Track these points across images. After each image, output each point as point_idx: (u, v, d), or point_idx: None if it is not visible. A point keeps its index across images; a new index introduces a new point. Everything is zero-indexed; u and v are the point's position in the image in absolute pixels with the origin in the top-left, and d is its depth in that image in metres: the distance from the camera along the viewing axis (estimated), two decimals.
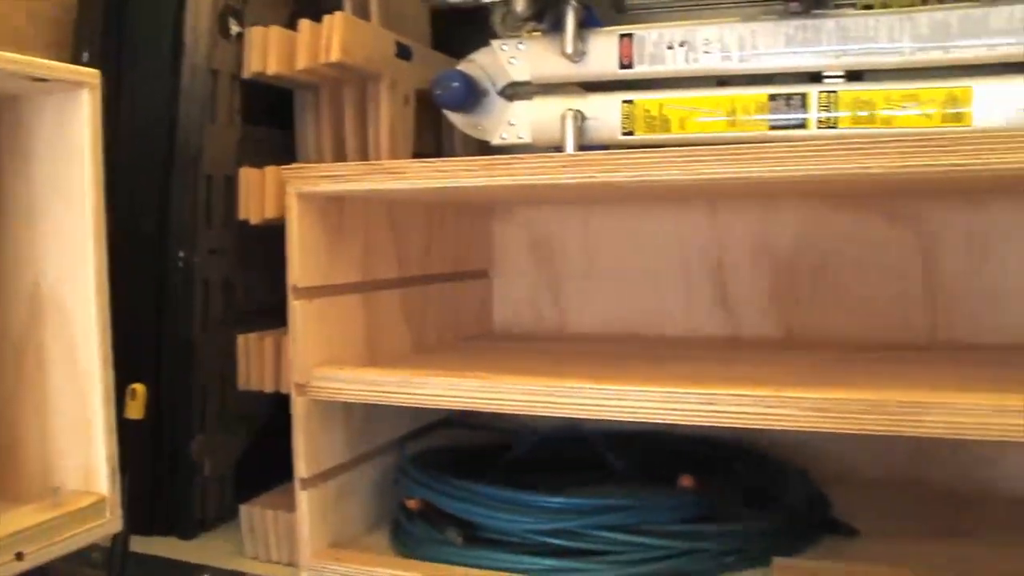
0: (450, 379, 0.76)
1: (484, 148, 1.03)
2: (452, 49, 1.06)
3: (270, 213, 0.88)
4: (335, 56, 0.86)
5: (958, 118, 0.70)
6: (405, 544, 0.85)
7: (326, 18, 0.88)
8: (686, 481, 0.83)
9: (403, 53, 0.96)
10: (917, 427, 0.63)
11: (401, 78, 0.96)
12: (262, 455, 1.01)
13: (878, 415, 0.64)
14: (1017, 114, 0.69)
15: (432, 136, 1.08)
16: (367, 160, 0.94)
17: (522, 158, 0.71)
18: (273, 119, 1.00)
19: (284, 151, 1.00)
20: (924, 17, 0.70)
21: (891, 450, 1.01)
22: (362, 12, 0.97)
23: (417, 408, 0.95)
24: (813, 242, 1.02)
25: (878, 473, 1.01)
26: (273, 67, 0.90)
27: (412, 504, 0.86)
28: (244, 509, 0.88)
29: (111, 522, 0.62)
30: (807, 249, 1.03)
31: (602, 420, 0.71)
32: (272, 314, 0.96)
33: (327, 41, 0.87)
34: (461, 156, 1.04)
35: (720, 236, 1.06)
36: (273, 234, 0.97)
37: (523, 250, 1.14)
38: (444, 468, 0.87)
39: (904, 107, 0.71)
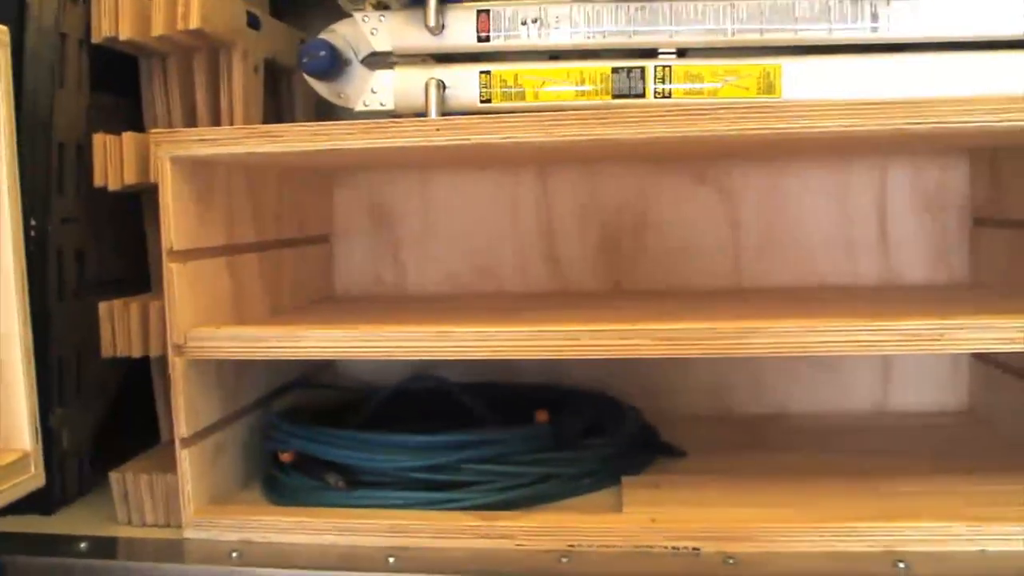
0: (329, 331, 0.81)
1: (321, 117, 1.08)
2: (286, 18, 1.10)
3: (129, 179, 0.88)
4: (194, 24, 0.87)
5: (770, 90, 0.83)
6: (282, 494, 0.88)
7: None
8: (541, 416, 0.93)
9: (253, 22, 0.98)
10: (748, 348, 0.75)
11: (252, 47, 0.98)
12: (113, 427, 1.02)
13: (715, 340, 0.75)
14: (820, 88, 0.82)
15: (272, 104, 1.11)
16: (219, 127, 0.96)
17: (400, 122, 0.76)
18: (115, 86, 1.00)
19: (129, 119, 1.00)
20: (743, 4, 0.81)
21: (700, 387, 1.15)
22: None
23: (289, 362, 1.00)
24: (634, 203, 1.14)
25: (695, 408, 1.15)
26: (127, 32, 0.89)
27: (286, 456, 0.90)
28: (115, 476, 0.88)
29: (35, 477, 0.63)
30: (628, 209, 1.14)
31: (473, 360, 0.78)
32: (119, 285, 0.97)
33: (185, 8, 0.88)
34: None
35: (549, 199, 1.16)
36: (123, 204, 0.98)
37: (363, 215, 1.19)
38: (312, 422, 0.92)
39: (726, 80, 0.83)
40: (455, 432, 0.86)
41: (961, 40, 0.83)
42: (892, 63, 0.83)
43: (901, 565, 0.73)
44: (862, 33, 0.82)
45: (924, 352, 0.74)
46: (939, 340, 0.75)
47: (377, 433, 0.86)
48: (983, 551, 0.75)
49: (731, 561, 0.75)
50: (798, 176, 1.12)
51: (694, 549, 0.77)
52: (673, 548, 0.77)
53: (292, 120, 1.12)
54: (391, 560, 0.77)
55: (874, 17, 0.82)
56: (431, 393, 1.03)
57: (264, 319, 0.96)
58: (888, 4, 0.82)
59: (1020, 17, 0.82)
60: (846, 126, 0.73)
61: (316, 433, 0.88)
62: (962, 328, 0.74)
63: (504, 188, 1.16)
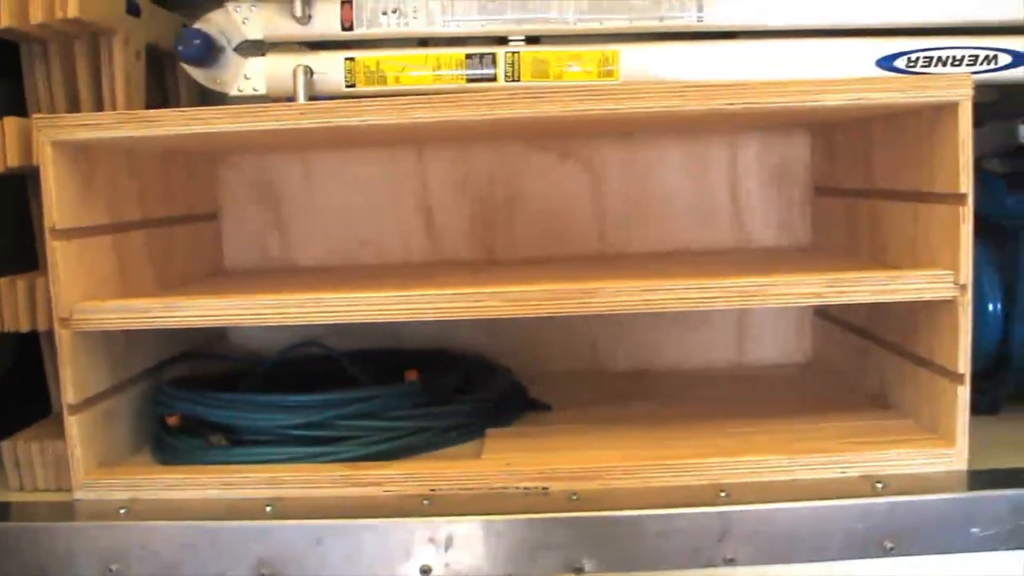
0: (209, 300, 0.87)
1: (205, 101, 1.13)
2: (167, 4, 1.14)
3: (12, 162, 0.93)
4: (72, 12, 0.91)
5: (610, 74, 0.91)
6: (169, 455, 0.94)
7: None
8: (411, 375, 1.00)
9: (132, 9, 1.03)
10: (586, 307, 0.84)
11: (132, 33, 1.03)
12: (6, 400, 1.06)
13: (557, 300, 0.84)
14: (654, 71, 0.91)
15: (156, 89, 1.15)
16: (102, 111, 1.01)
17: (268, 106, 0.83)
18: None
19: (13, 101, 1.03)
20: None
21: (574, 347, 1.24)
22: None
23: (179, 333, 1.05)
24: (505, 178, 1.22)
25: (569, 366, 1.25)
26: (5, 20, 0.93)
27: (172, 420, 0.96)
28: (6, 445, 0.93)
29: None
30: (500, 184, 1.22)
31: (358, 327, 0.85)
32: (7, 263, 1.01)
33: None
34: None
35: (426, 175, 1.23)
36: (11, 184, 1.02)
37: (249, 193, 1.24)
38: (202, 389, 0.98)
39: (570, 65, 0.91)
40: (328, 392, 0.93)
41: (779, 29, 0.93)
42: (717, 49, 0.93)
43: (723, 494, 0.83)
44: (690, 21, 0.91)
45: (741, 306, 0.85)
46: (756, 296, 0.85)
47: (256, 395, 0.93)
48: (795, 479, 0.85)
49: (575, 497, 0.84)
50: (657, 151, 1.22)
51: (543, 488, 0.86)
52: (524, 488, 0.86)
53: (176, 102, 1.17)
54: (268, 509, 0.84)
55: (699, 7, 0.91)
56: (316, 360, 1.10)
57: (151, 293, 1.01)
58: None
59: (829, 8, 0.92)
60: (671, 106, 0.82)
61: (200, 397, 0.95)
62: (774, 284, 0.84)
63: (384, 165, 1.22)
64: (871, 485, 0.83)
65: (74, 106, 1.01)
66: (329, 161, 1.22)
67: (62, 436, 0.90)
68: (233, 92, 0.93)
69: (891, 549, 0.80)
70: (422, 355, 1.15)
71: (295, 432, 0.92)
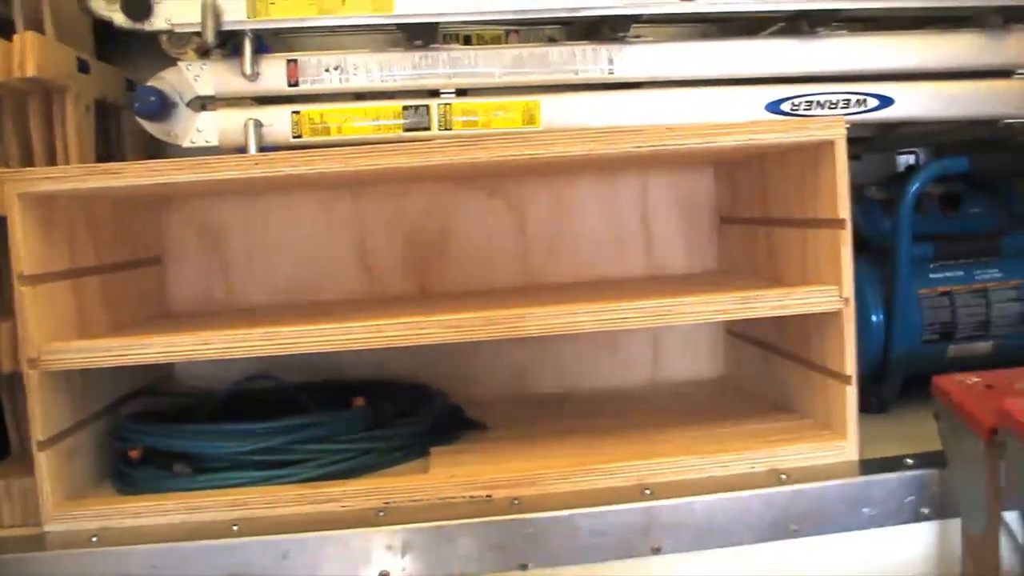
0: (169, 337, 0.94)
1: (151, 152, 1.20)
2: (112, 60, 1.21)
3: None
4: (30, 72, 0.98)
5: (532, 121, 1.02)
6: (132, 486, 1.00)
7: (16, 36, 0.98)
8: (358, 401, 1.09)
9: (83, 67, 1.10)
10: (518, 331, 0.94)
11: (83, 89, 1.10)
12: None
13: (494, 325, 0.94)
14: (572, 118, 1.02)
15: (101, 139, 1.22)
16: (55, 163, 1.07)
17: (223, 158, 0.91)
18: None
19: None
20: (507, 52, 1.00)
21: (504, 372, 1.33)
22: (35, 27, 1.09)
23: (132, 372, 1.11)
24: (437, 217, 1.31)
25: (500, 390, 1.34)
26: None
27: (134, 453, 1.02)
28: None
29: None
30: (432, 223, 1.31)
31: (305, 362, 0.93)
32: None
33: (21, 57, 0.98)
34: (130, 159, 1.20)
35: (362, 217, 1.31)
36: None
37: (193, 237, 1.30)
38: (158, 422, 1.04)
39: (496, 114, 1.01)
40: (283, 419, 1.01)
41: (680, 79, 1.05)
42: (627, 98, 1.04)
43: (648, 491, 0.93)
44: (602, 74, 1.02)
45: (657, 324, 0.95)
46: (668, 315, 0.95)
47: (216, 424, 1.00)
48: (710, 476, 0.96)
49: (516, 502, 0.93)
50: (575, 188, 1.33)
51: (487, 496, 0.94)
52: (470, 496, 0.94)
53: (122, 153, 1.23)
54: (235, 528, 0.91)
55: (610, 60, 1.02)
56: (266, 392, 1.17)
57: (106, 335, 1.07)
58: (620, 50, 1.02)
59: (723, 60, 1.04)
60: (587, 150, 0.93)
61: (162, 430, 1.01)
62: (685, 304, 0.96)
63: (322, 208, 1.30)
64: (776, 477, 0.94)
65: (28, 159, 1.07)
66: (271, 205, 1.29)
67: (25, 474, 0.95)
68: (186, 144, 1.01)
69: (796, 531, 0.91)
70: (365, 384, 1.22)
71: (254, 457, 0.99)
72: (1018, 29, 1.08)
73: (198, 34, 1.00)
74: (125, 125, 1.24)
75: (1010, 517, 0.87)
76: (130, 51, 1.23)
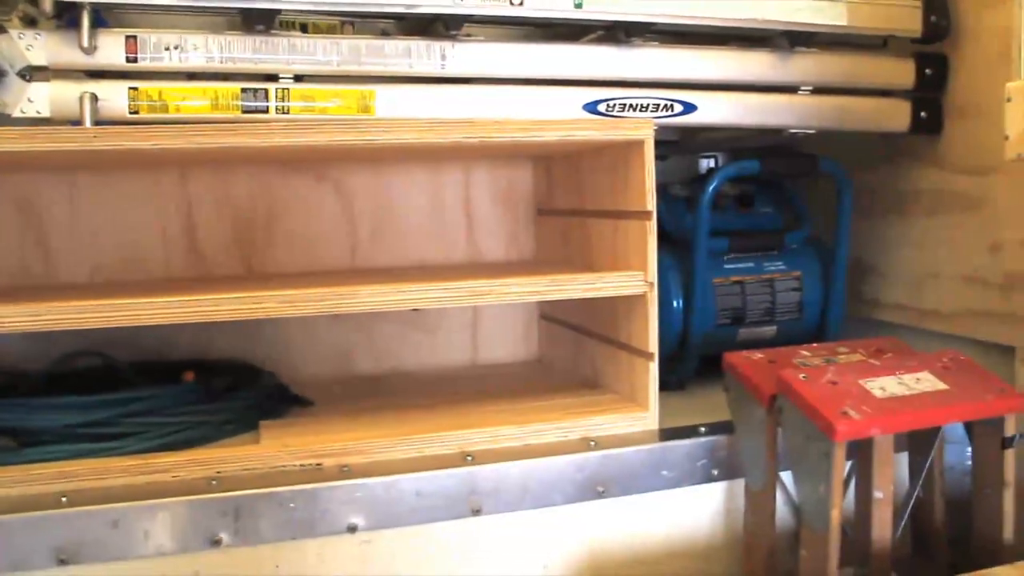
0: None
1: None
2: None
3: None
4: None
5: (367, 110, 1.07)
6: None
7: None
8: (188, 376, 1.11)
9: None
10: (349, 307, 0.99)
11: None
12: None
13: (327, 300, 0.98)
14: (405, 109, 1.08)
15: None
16: None
17: (61, 129, 0.91)
18: None
19: None
20: (345, 42, 1.05)
21: (328, 353, 1.38)
22: None
23: None
24: (265, 199, 1.34)
25: (325, 370, 1.38)
26: None
27: None
28: None
29: None
30: (260, 205, 1.34)
31: (134, 340, 0.93)
32: None
33: None
34: None
35: (190, 197, 1.32)
36: None
37: (11, 211, 1.27)
38: None
39: (333, 102, 1.06)
40: (112, 392, 1.02)
41: (507, 77, 1.12)
42: (457, 92, 1.11)
43: (469, 458, 1.00)
44: (434, 68, 1.09)
45: (476, 303, 1.03)
46: (489, 294, 1.03)
47: (43, 398, 1.00)
48: (526, 444, 1.04)
49: (346, 469, 0.98)
50: (401, 176, 1.38)
51: (317, 464, 0.99)
52: (301, 465, 0.99)
53: None
54: (64, 499, 0.91)
55: (443, 56, 1.09)
56: (90, 370, 1.16)
57: None
58: (453, 47, 1.09)
59: (546, 63, 1.13)
60: (417, 139, 1.00)
61: None
62: (505, 285, 1.03)
63: (148, 187, 1.30)
64: (586, 444, 1.03)
65: None
66: (95, 182, 1.28)
67: None
68: (16, 114, 0.99)
69: (602, 492, 1.01)
70: (192, 363, 1.24)
71: (84, 431, 0.99)
72: (802, 52, 1.23)
73: (30, 2, 0.99)
74: None
75: (785, 475, 1.00)
76: None
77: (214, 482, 0.95)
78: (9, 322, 0.93)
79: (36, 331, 0.93)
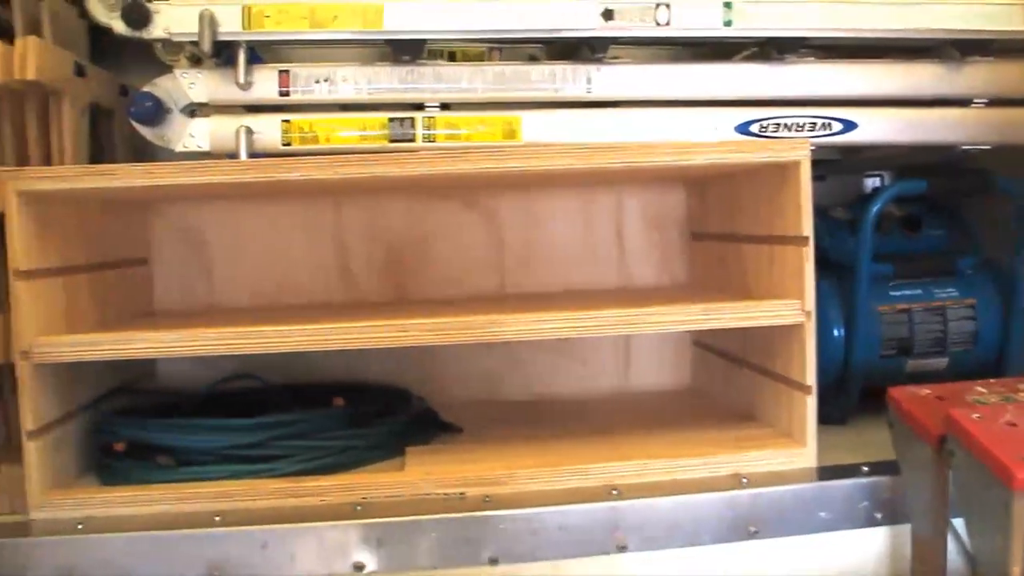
0: (155, 333, 0.97)
1: (140, 157, 1.24)
2: (106, 65, 1.24)
3: None
4: (31, 75, 1.01)
5: (512, 135, 1.07)
6: (116, 478, 1.03)
7: (18, 41, 1.02)
8: (338, 401, 1.12)
9: (79, 71, 1.13)
10: (497, 335, 0.98)
11: (78, 93, 1.13)
12: None
13: (471, 329, 0.98)
14: (550, 134, 1.07)
15: (94, 144, 1.25)
16: (50, 164, 1.10)
17: (217, 162, 0.95)
18: None
19: None
20: (489, 69, 1.05)
21: (478, 379, 1.37)
22: (34, 31, 1.12)
23: (114, 370, 1.14)
24: (415, 226, 1.35)
25: (474, 396, 1.37)
26: None
27: (119, 446, 1.05)
28: None
29: None
30: (410, 232, 1.35)
31: (286, 363, 0.96)
32: None
33: (22, 61, 1.02)
34: (121, 162, 1.23)
35: (343, 225, 1.35)
36: None
37: (178, 240, 1.34)
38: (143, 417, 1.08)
39: (478, 128, 1.06)
40: (265, 416, 1.04)
41: (655, 99, 1.10)
42: (604, 116, 1.09)
43: (614, 492, 0.97)
44: (580, 92, 1.07)
45: (626, 332, 0.99)
46: (638, 324, 1.00)
47: (202, 419, 1.03)
48: (675, 479, 1.00)
49: (488, 499, 0.97)
50: (550, 201, 1.37)
51: (460, 493, 0.98)
52: (444, 494, 0.98)
53: (112, 156, 1.27)
54: (217, 519, 0.94)
55: (589, 80, 1.07)
56: (246, 392, 1.20)
57: (93, 331, 1.10)
58: (599, 70, 1.07)
59: (697, 83, 1.09)
60: (564, 165, 0.98)
61: (147, 423, 1.04)
62: (655, 314, 1.00)
63: (304, 215, 1.34)
64: (738, 481, 0.98)
65: (24, 158, 1.10)
66: (254, 211, 1.33)
67: (14, 463, 0.98)
68: (179, 148, 1.04)
69: (755, 532, 0.96)
70: (343, 386, 1.26)
71: (238, 452, 1.02)
72: (973, 61, 1.14)
73: (192, 43, 1.04)
74: (116, 129, 1.28)
75: (956, 521, 0.92)
76: (122, 57, 1.27)
77: (359, 507, 0.96)
78: (171, 347, 0.97)
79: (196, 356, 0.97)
